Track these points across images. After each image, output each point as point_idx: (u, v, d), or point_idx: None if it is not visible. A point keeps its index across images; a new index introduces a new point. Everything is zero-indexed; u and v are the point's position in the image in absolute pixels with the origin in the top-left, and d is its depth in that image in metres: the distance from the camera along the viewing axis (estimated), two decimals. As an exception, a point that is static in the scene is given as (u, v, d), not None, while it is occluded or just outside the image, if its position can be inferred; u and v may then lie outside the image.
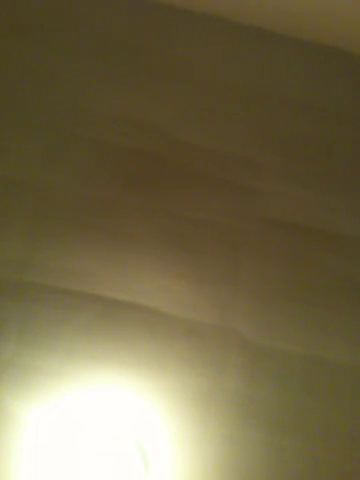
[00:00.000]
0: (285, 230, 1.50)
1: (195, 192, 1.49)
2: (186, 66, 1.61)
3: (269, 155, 1.57)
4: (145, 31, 1.62)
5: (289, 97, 1.63)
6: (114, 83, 1.55)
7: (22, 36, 1.54)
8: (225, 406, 1.32)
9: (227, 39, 1.66)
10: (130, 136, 1.51)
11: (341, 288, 1.48)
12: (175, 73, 1.59)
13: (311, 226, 1.52)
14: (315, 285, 1.47)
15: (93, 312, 1.34)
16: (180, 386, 1.32)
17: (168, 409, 1.30)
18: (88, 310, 1.33)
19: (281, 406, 1.35)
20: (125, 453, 1.19)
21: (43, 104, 1.49)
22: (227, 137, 1.56)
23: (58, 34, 1.56)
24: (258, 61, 1.66)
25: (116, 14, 1.62)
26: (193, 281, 1.41)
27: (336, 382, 1.39)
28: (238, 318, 1.40)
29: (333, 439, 1.35)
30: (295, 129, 1.61)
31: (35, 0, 1.59)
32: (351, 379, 1.40)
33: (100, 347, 1.31)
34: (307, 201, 1.54)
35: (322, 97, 1.65)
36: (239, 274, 1.44)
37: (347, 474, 1.32)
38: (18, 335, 1.29)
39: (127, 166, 1.48)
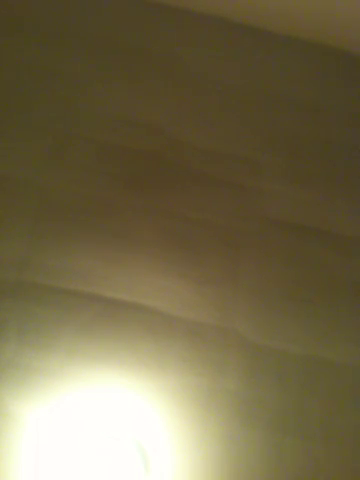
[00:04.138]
0: (285, 230, 1.50)
1: (195, 192, 1.49)
2: (186, 66, 1.61)
3: (269, 155, 1.57)
4: (145, 31, 1.62)
5: (289, 97, 1.63)
6: (114, 83, 1.55)
7: (22, 36, 1.54)
8: (225, 406, 1.32)
9: (227, 39, 1.66)
10: (130, 136, 1.51)
11: (341, 288, 1.48)
12: (175, 73, 1.59)
13: (311, 226, 1.52)
14: (315, 285, 1.47)
15: (93, 312, 1.34)
16: (180, 386, 1.32)
17: (168, 409, 1.30)
18: (88, 310, 1.33)
19: (281, 406, 1.35)
20: (125, 453, 1.19)
21: (43, 104, 1.49)
22: (227, 137, 1.56)
23: (58, 34, 1.56)
24: (258, 61, 1.66)
25: (116, 14, 1.62)
26: (193, 281, 1.41)
27: (336, 382, 1.39)
28: (238, 318, 1.40)
29: (333, 439, 1.35)
30: (295, 129, 1.61)
31: (35, 0, 1.59)
32: (351, 379, 1.40)
33: (100, 347, 1.31)
34: (307, 201, 1.54)
35: (322, 97, 1.65)
36: (239, 274, 1.44)
37: (347, 474, 1.32)
38: (18, 335, 1.29)
39: (127, 166, 1.48)
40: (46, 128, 1.47)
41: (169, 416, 1.29)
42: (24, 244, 1.36)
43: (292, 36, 1.71)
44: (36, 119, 1.47)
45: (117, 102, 1.53)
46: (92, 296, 1.35)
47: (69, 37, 1.57)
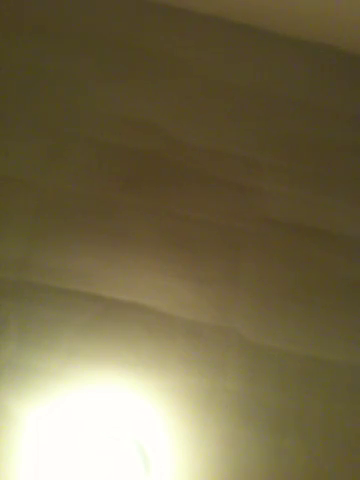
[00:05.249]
0: (285, 230, 1.50)
1: (195, 192, 1.49)
2: (186, 66, 1.61)
3: (269, 155, 1.57)
4: (145, 31, 1.62)
5: (289, 97, 1.63)
6: (114, 83, 1.55)
7: (22, 36, 1.54)
8: (225, 406, 1.32)
9: (227, 39, 1.66)
10: (130, 136, 1.51)
11: (341, 288, 1.48)
12: (175, 73, 1.59)
13: (311, 226, 1.52)
14: (315, 285, 1.47)
15: (93, 312, 1.34)
16: (180, 386, 1.32)
17: (168, 409, 1.30)
18: (88, 310, 1.33)
19: (281, 406, 1.35)
20: (125, 453, 1.19)
21: (43, 104, 1.49)
22: (227, 137, 1.56)
23: (58, 34, 1.56)
24: (258, 61, 1.66)
25: (116, 14, 1.62)
26: (193, 281, 1.41)
27: (336, 382, 1.39)
28: (238, 318, 1.40)
29: (333, 439, 1.35)
30: (295, 129, 1.61)
31: (35, 0, 1.58)
32: (351, 379, 1.40)
33: (100, 347, 1.31)
34: (307, 201, 1.54)
35: (322, 97, 1.65)
36: (239, 274, 1.44)
37: (347, 474, 1.32)
38: (18, 335, 1.29)
39: (127, 166, 1.48)
40: (46, 128, 1.47)
41: (169, 416, 1.29)
42: (24, 244, 1.36)
43: (292, 36, 1.71)
44: (36, 119, 1.47)
45: (117, 102, 1.53)
46: (92, 296, 1.35)
47: (69, 37, 1.57)
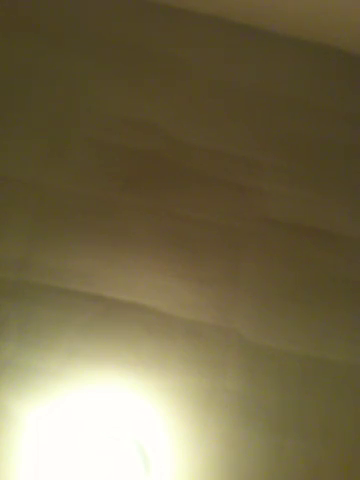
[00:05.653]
0: (285, 230, 1.50)
1: (195, 192, 1.49)
2: (186, 66, 1.61)
3: (269, 155, 1.57)
4: (145, 31, 1.62)
5: (289, 97, 1.63)
6: (114, 83, 1.55)
7: (22, 36, 1.54)
8: (225, 406, 1.32)
9: (227, 39, 1.66)
10: (130, 136, 1.51)
11: (340, 288, 1.48)
12: (175, 73, 1.59)
13: (311, 226, 1.52)
14: (315, 285, 1.47)
15: (93, 312, 1.33)
16: (180, 386, 1.32)
17: (168, 409, 1.30)
18: (88, 310, 1.33)
19: (281, 406, 1.35)
20: (125, 453, 1.19)
21: (43, 104, 1.49)
22: (227, 137, 1.56)
23: (58, 34, 1.56)
24: (258, 61, 1.66)
25: (116, 14, 1.62)
26: (193, 281, 1.41)
27: (336, 382, 1.39)
28: (238, 318, 1.40)
29: (333, 439, 1.35)
30: (295, 129, 1.61)
31: (36, 0, 1.58)
32: (351, 379, 1.40)
33: (100, 347, 1.31)
34: (307, 201, 1.54)
35: (322, 97, 1.65)
36: (239, 274, 1.44)
37: (347, 474, 1.32)
38: (18, 335, 1.29)
39: (127, 166, 1.48)
40: (46, 128, 1.47)
41: (169, 416, 1.29)
42: (24, 244, 1.36)
43: (292, 36, 1.71)
44: (36, 119, 1.47)
45: (117, 102, 1.53)
46: (92, 296, 1.35)
47: (69, 37, 1.57)
